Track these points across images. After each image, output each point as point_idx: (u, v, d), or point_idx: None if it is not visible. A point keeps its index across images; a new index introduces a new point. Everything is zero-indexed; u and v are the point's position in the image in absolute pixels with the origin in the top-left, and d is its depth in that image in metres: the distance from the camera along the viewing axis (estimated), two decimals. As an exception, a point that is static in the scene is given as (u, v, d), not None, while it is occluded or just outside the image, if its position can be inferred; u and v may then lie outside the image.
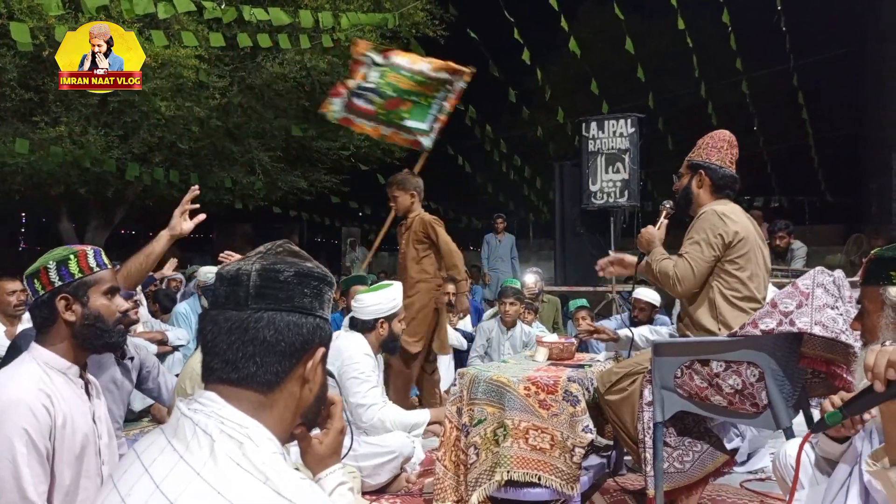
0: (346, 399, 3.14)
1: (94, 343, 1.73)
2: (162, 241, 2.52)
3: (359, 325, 3.38)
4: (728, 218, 2.73)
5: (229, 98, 10.24)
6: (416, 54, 5.80)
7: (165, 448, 0.93)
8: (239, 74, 10.41)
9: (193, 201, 2.59)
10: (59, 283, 1.70)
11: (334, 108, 5.50)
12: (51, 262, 1.71)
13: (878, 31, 12.81)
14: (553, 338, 3.63)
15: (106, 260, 1.80)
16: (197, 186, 2.58)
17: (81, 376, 1.75)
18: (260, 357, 0.96)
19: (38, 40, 7.21)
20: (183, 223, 2.52)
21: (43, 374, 1.63)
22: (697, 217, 2.82)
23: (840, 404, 1.44)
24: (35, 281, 1.71)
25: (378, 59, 5.35)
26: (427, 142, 5.44)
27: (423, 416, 3.44)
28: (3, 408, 1.53)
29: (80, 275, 1.72)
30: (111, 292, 1.77)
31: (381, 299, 3.38)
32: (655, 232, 2.98)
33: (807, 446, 1.96)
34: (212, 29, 8.25)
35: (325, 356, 1.04)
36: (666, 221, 3.06)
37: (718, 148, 2.89)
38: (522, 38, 8.98)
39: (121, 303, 1.79)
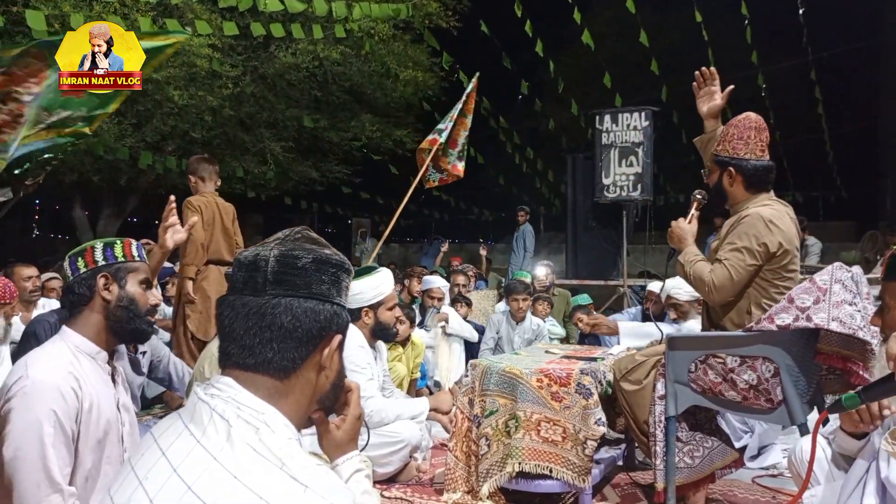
0: None
1: (124, 326, 1.78)
2: (154, 257, 2.57)
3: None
4: (775, 226, 2.57)
5: (242, 87, 10.27)
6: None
7: (182, 432, 0.94)
8: (252, 64, 10.43)
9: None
10: (103, 262, 1.77)
11: (431, 177, 6.54)
12: (98, 244, 1.81)
13: (894, 25, 12.63)
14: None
15: (145, 255, 1.90)
16: (172, 198, 2.60)
17: (109, 363, 1.78)
18: (277, 343, 0.96)
19: (53, 28, 7.24)
20: (167, 240, 2.54)
21: (73, 357, 1.67)
22: (740, 220, 2.64)
23: None
24: (79, 259, 1.78)
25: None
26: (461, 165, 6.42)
27: (420, 405, 3.40)
28: (34, 388, 1.55)
29: (122, 259, 1.80)
30: (146, 283, 1.84)
31: (363, 288, 3.23)
32: (687, 227, 2.81)
33: (823, 442, 1.95)
34: (225, 18, 8.24)
35: (341, 343, 1.04)
36: (697, 213, 2.87)
37: (745, 139, 2.71)
38: (535, 31, 8.94)
39: (153, 296, 1.87)
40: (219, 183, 4.79)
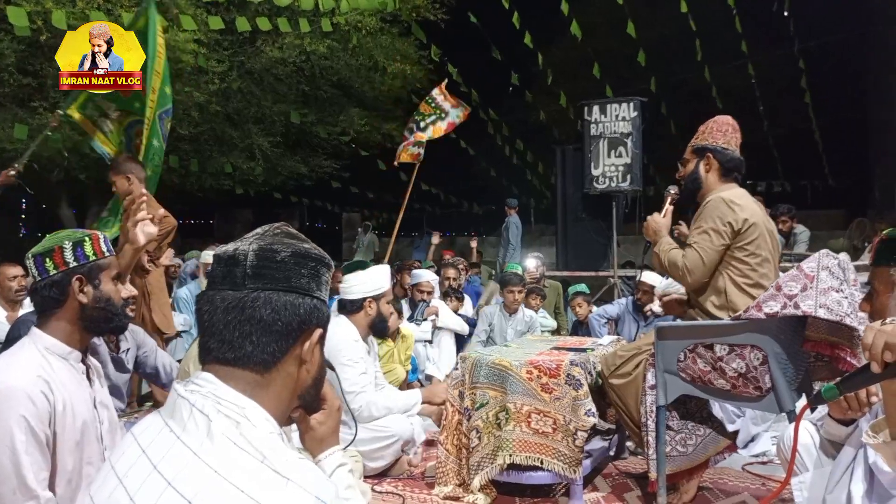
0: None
1: (101, 326, 1.75)
2: (126, 254, 2.54)
3: (347, 307, 3.32)
4: (736, 204, 2.68)
5: (228, 83, 10.19)
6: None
7: (162, 429, 0.93)
8: (238, 59, 10.35)
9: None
10: (75, 263, 1.70)
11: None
12: (66, 242, 1.71)
13: (885, 14, 12.69)
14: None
15: (112, 247, 1.83)
16: (144, 192, 2.54)
17: (83, 361, 1.74)
18: (256, 336, 0.95)
19: (35, 25, 7.15)
20: (139, 235, 2.51)
21: (42, 359, 1.62)
22: (704, 205, 2.77)
23: None
24: (46, 260, 1.69)
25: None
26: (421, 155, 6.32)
27: (412, 397, 3.39)
28: (2, 396, 1.52)
29: (94, 257, 1.73)
30: (118, 278, 1.79)
31: (366, 278, 3.31)
32: (661, 220, 2.93)
33: (812, 428, 1.95)
34: (210, 13, 8.18)
35: (321, 337, 1.03)
36: (671, 208, 3.01)
37: (723, 132, 2.84)
38: (523, 22, 8.91)
39: (128, 289, 1.82)
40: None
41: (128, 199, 2.54)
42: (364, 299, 3.28)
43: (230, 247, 1.01)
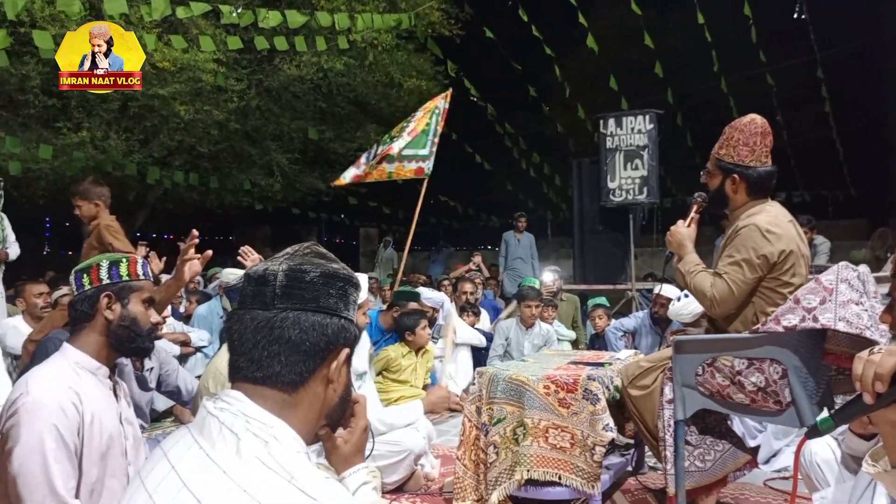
0: None
1: (125, 345, 1.80)
2: (170, 290, 2.65)
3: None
4: (772, 234, 2.52)
5: (247, 101, 10.34)
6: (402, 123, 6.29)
7: (192, 446, 0.94)
8: (256, 77, 10.50)
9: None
10: (108, 280, 1.79)
11: (344, 175, 6.38)
12: (104, 261, 1.81)
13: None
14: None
15: (150, 273, 1.90)
16: (196, 232, 2.63)
17: (110, 377, 1.80)
18: (285, 356, 0.96)
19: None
20: (185, 273, 2.60)
21: (73, 373, 1.68)
22: (737, 231, 2.60)
23: None
24: (84, 276, 1.79)
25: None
26: (429, 167, 5.74)
27: (414, 412, 3.38)
28: (35, 405, 1.57)
29: (127, 278, 1.81)
30: (149, 302, 1.85)
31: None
32: (685, 231, 2.77)
33: (833, 444, 1.93)
34: (229, 32, 8.32)
35: (349, 357, 1.04)
36: (697, 217, 2.82)
37: (751, 145, 2.63)
38: (539, 35, 8.96)
39: (155, 315, 1.88)
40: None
41: (184, 248, 2.65)
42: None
43: (261, 266, 1.03)
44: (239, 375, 0.98)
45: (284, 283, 0.99)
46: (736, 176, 2.64)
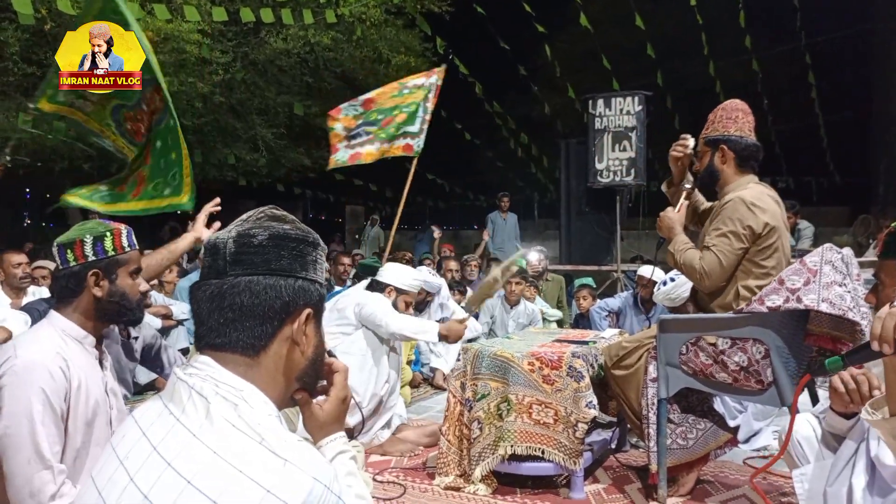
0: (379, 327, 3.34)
1: (115, 318, 1.79)
2: (186, 241, 2.62)
3: (374, 287, 3.65)
4: (757, 207, 2.60)
5: (232, 74, 10.17)
6: (385, 85, 6.00)
7: (162, 412, 0.94)
8: (242, 50, 10.33)
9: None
10: (93, 257, 1.74)
11: (338, 158, 5.89)
12: (87, 236, 1.74)
13: (891, 10, 12.61)
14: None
15: (135, 241, 1.85)
16: (218, 200, 2.67)
17: (97, 347, 1.78)
18: (239, 322, 0.96)
19: (39, 13, 7.14)
20: (205, 229, 2.63)
21: (60, 339, 1.68)
22: (723, 205, 2.68)
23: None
24: (68, 251, 1.74)
25: (357, 108, 5.74)
26: (418, 145, 5.62)
27: (427, 328, 3.42)
28: (23, 369, 1.57)
29: (112, 252, 1.76)
30: (136, 272, 1.82)
31: (402, 273, 3.71)
32: (675, 215, 2.84)
33: (814, 421, 1.95)
34: (214, 3, 8.16)
35: (311, 316, 1.03)
36: (686, 202, 2.91)
37: (734, 119, 2.75)
38: (531, 13, 8.89)
39: (144, 284, 1.85)
40: None
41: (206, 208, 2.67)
42: (388, 286, 3.63)
43: (213, 236, 1.03)
44: (202, 343, 0.99)
45: (233, 251, 0.98)
46: (724, 146, 2.74)
